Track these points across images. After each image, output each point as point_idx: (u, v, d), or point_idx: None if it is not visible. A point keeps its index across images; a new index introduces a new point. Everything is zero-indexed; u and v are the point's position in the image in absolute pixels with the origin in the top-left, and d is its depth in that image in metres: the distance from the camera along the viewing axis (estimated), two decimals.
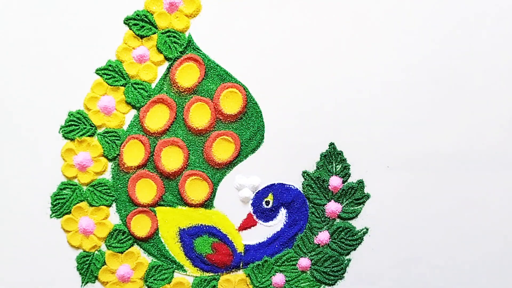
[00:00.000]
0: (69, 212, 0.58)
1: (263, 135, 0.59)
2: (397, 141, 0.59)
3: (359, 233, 0.58)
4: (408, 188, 0.58)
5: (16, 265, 0.58)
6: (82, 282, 0.58)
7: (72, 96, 0.59)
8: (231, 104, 0.59)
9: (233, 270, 0.59)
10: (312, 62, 0.59)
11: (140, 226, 0.58)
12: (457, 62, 0.59)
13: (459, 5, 0.59)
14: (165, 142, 0.59)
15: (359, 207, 0.59)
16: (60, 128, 0.59)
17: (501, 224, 0.58)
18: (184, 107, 0.59)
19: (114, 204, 0.59)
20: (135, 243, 0.59)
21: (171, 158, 0.59)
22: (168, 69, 0.59)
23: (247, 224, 0.58)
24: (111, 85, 0.59)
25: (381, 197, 0.58)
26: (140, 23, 0.59)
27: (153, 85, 0.59)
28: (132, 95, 0.59)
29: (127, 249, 0.58)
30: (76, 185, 0.59)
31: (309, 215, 0.58)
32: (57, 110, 0.59)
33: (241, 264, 0.58)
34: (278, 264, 0.58)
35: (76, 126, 0.59)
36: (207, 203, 0.59)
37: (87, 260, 0.58)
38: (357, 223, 0.58)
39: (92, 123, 0.59)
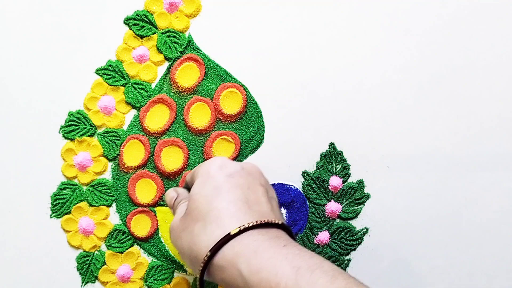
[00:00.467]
0: (69, 212, 0.58)
1: (263, 135, 0.59)
2: (397, 141, 0.59)
3: (359, 233, 0.58)
4: (408, 188, 0.58)
5: (16, 265, 0.58)
6: (82, 282, 0.58)
7: (72, 96, 0.59)
8: (231, 104, 0.59)
9: None
10: (312, 62, 0.59)
11: (140, 226, 0.58)
12: (457, 62, 0.59)
13: (459, 4, 0.59)
14: (165, 142, 0.59)
15: (359, 207, 0.59)
16: (60, 128, 0.59)
17: (501, 224, 0.58)
18: (184, 107, 0.59)
19: (114, 204, 0.59)
20: (135, 243, 0.59)
21: (171, 158, 0.59)
22: (168, 69, 0.59)
23: None
24: (111, 85, 0.59)
25: (381, 197, 0.58)
26: (140, 23, 0.59)
27: (153, 85, 0.59)
28: (132, 95, 0.59)
29: (127, 249, 0.58)
30: (76, 185, 0.59)
31: (309, 215, 0.58)
32: (57, 110, 0.59)
33: None
34: None
35: (76, 126, 0.59)
36: None
37: (87, 260, 0.58)
38: (357, 223, 0.58)
39: (92, 123, 0.59)
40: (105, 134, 0.59)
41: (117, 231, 0.58)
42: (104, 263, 0.58)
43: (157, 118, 0.59)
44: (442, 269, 0.58)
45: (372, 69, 0.59)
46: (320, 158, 0.59)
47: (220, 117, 0.59)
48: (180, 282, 0.58)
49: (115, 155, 0.59)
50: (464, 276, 0.58)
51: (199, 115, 0.59)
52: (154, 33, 0.59)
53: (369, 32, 0.59)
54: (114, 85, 0.59)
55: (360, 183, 0.59)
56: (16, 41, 0.59)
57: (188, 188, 0.49)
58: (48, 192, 0.58)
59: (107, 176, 0.59)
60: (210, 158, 0.58)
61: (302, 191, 0.59)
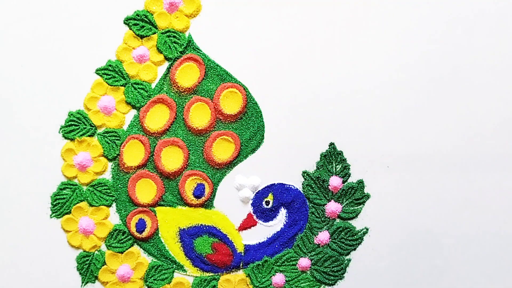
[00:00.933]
0: (69, 212, 0.58)
1: (263, 135, 0.59)
2: (397, 141, 0.59)
3: (359, 233, 0.58)
4: (408, 188, 0.58)
5: (16, 265, 0.58)
6: (82, 282, 0.58)
7: (72, 96, 0.59)
8: (231, 104, 0.59)
9: (233, 270, 0.59)
10: (312, 62, 0.59)
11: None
12: (457, 63, 0.59)
13: (459, 4, 0.59)
14: (165, 142, 0.59)
15: (359, 207, 0.59)
16: (60, 128, 0.59)
17: (501, 224, 0.58)
18: (184, 107, 0.59)
19: (114, 204, 0.59)
20: (135, 243, 0.59)
21: (171, 158, 0.59)
22: (168, 69, 0.59)
23: (247, 224, 0.58)
24: (111, 85, 0.59)
25: (381, 197, 0.58)
26: (140, 23, 0.59)
27: (153, 85, 0.59)
28: (132, 95, 0.59)
29: (127, 249, 0.58)
30: (76, 185, 0.59)
31: (309, 215, 0.58)
32: (57, 110, 0.59)
33: (241, 264, 0.58)
34: (278, 264, 0.58)
35: (76, 126, 0.59)
36: (207, 203, 0.59)
37: (87, 260, 0.58)
38: (357, 223, 0.58)
39: (92, 123, 0.59)
40: (105, 134, 0.59)
41: (117, 231, 0.58)
42: (104, 263, 0.58)
43: (157, 118, 0.59)
44: (442, 269, 0.58)
45: (372, 69, 0.59)
46: (320, 158, 0.59)
47: (220, 117, 0.59)
48: (180, 282, 0.58)
49: (115, 155, 0.59)
50: (464, 276, 0.58)
51: (199, 115, 0.59)
52: (154, 33, 0.59)
53: (369, 32, 0.59)
54: (114, 85, 0.59)
55: (360, 183, 0.59)
56: (17, 41, 0.59)
57: None
58: (48, 192, 0.58)
59: (107, 176, 0.59)
60: (210, 158, 0.59)
61: (302, 191, 0.59)
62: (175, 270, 0.58)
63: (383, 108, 0.59)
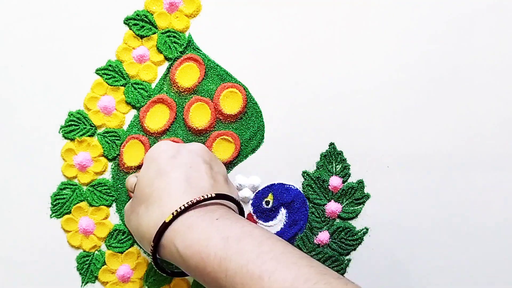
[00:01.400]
0: (69, 212, 0.58)
1: (263, 135, 0.59)
2: (397, 141, 0.59)
3: (359, 233, 0.58)
4: (408, 188, 0.58)
5: (16, 265, 0.58)
6: (82, 282, 0.58)
7: (72, 96, 0.59)
8: (231, 104, 0.59)
9: None
10: (312, 62, 0.59)
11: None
12: (457, 63, 0.59)
13: (459, 4, 0.59)
14: None
15: (359, 207, 0.59)
16: (60, 128, 0.59)
17: (502, 224, 0.58)
18: (184, 107, 0.59)
19: (114, 204, 0.59)
20: (135, 243, 0.59)
21: None
22: (168, 69, 0.59)
23: None
24: (111, 85, 0.59)
25: (381, 197, 0.58)
26: (140, 23, 0.59)
27: (153, 85, 0.59)
28: (132, 95, 0.59)
29: (127, 249, 0.58)
30: (76, 185, 0.59)
31: (309, 215, 0.58)
32: (57, 110, 0.59)
33: None
34: None
35: (76, 126, 0.59)
36: None
37: (87, 260, 0.58)
38: (357, 223, 0.58)
39: (92, 123, 0.59)
40: (105, 134, 0.59)
41: (117, 231, 0.58)
42: (104, 263, 0.58)
43: (157, 118, 0.59)
44: (442, 269, 0.58)
45: (372, 69, 0.59)
46: (320, 158, 0.59)
47: (220, 117, 0.59)
48: (180, 282, 0.58)
49: (115, 155, 0.59)
50: (464, 276, 0.58)
51: (199, 115, 0.59)
52: (154, 33, 0.59)
53: (369, 32, 0.59)
54: (114, 85, 0.59)
55: (360, 183, 0.59)
56: (16, 41, 0.59)
57: None
58: (48, 192, 0.58)
59: (107, 176, 0.59)
60: None
61: (302, 191, 0.59)
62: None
63: (383, 108, 0.59)
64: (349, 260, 0.58)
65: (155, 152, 0.49)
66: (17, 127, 0.59)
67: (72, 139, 0.59)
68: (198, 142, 0.59)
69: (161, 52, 0.59)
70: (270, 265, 0.37)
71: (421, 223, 0.58)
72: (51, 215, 0.58)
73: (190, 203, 0.43)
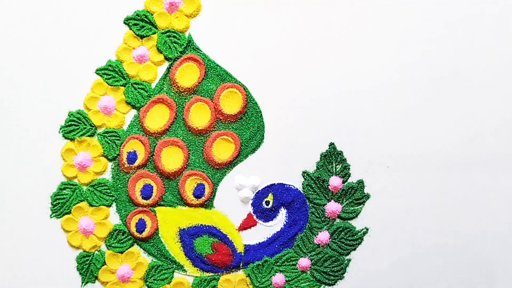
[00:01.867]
0: (69, 212, 0.58)
1: (263, 135, 0.59)
2: (397, 141, 0.59)
3: (359, 233, 0.58)
4: (408, 188, 0.58)
5: (16, 265, 0.58)
6: (82, 282, 0.58)
7: (72, 96, 0.59)
8: (231, 104, 0.59)
9: (233, 270, 0.59)
10: (312, 62, 0.59)
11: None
12: (457, 62, 0.59)
13: (459, 4, 0.59)
14: (165, 142, 0.59)
15: (359, 207, 0.59)
16: (60, 128, 0.59)
17: (501, 224, 0.58)
18: (184, 107, 0.59)
19: (114, 204, 0.59)
20: (135, 243, 0.59)
21: (171, 158, 0.59)
22: (168, 69, 0.59)
23: (247, 224, 0.58)
24: (111, 85, 0.59)
25: (381, 197, 0.58)
26: (140, 23, 0.59)
27: (153, 85, 0.59)
28: (132, 95, 0.59)
29: (127, 249, 0.58)
30: (76, 185, 0.59)
31: (309, 215, 0.58)
32: (57, 110, 0.59)
33: (241, 264, 0.58)
34: (278, 264, 0.58)
35: (76, 126, 0.59)
36: (207, 203, 0.59)
37: (87, 260, 0.58)
38: (357, 223, 0.58)
39: (92, 123, 0.59)
40: (105, 134, 0.59)
41: (117, 231, 0.58)
42: (104, 263, 0.58)
43: (157, 118, 0.59)
44: (442, 269, 0.58)
45: (373, 69, 0.59)
46: (320, 158, 0.59)
47: (220, 117, 0.59)
48: (180, 282, 0.58)
49: (115, 155, 0.59)
50: (464, 276, 0.58)
51: (199, 115, 0.59)
52: (154, 33, 0.59)
53: (369, 33, 0.59)
54: (114, 85, 0.59)
55: (360, 183, 0.59)
56: (17, 41, 0.59)
57: None
58: (48, 192, 0.58)
59: (107, 176, 0.59)
60: (210, 158, 0.59)
61: (302, 191, 0.59)
62: (175, 270, 0.58)
63: (383, 108, 0.59)
64: (349, 260, 0.58)
65: None
66: (17, 127, 0.59)
67: (72, 139, 0.59)
68: (198, 142, 0.59)
69: (161, 52, 0.59)
70: None
71: (421, 223, 0.58)
72: (51, 215, 0.58)
73: None
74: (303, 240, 0.58)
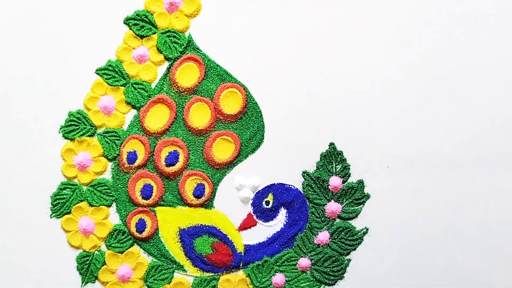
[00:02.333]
0: (69, 212, 0.58)
1: (263, 135, 0.59)
2: (397, 141, 0.59)
3: (359, 233, 0.58)
4: (408, 188, 0.58)
5: (16, 265, 0.58)
6: (82, 282, 0.58)
7: (72, 96, 0.59)
8: (231, 104, 0.59)
9: (233, 270, 0.59)
10: (312, 62, 0.59)
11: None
12: (458, 63, 0.59)
13: (459, 4, 0.59)
14: (165, 142, 0.59)
15: (359, 207, 0.59)
16: (60, 128, 0.59)
17: (501, 224, 0.58)
18: (184, 107, 0.59)
19: (114, 204, 0.59)
20: (135, 243, 0.59)
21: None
22: (168, 69, 0.59)
23: (247, 224, 0.58)
24: (111, 85, 0.59)
25: (381, 197, 0.58)
26: (140, 23, 0.59)
27: (153, 85, 0.59)
28: (132, 95, 0.59)
29: (127, 249, 0.58)
30: (76, 185, 0.59)
31: (309, 215, 0.58)
32: (57, 110, 0.59)
33: (241, 264, 0.58)
34: (278, 264, 0.58)
35: (76, 126, 0.59)
36: (207, 203, 0.59)
37: (87, 260, 0.58)
38: (357, 223, 0.58)
39: (92, 123, 0.59)
40: (105, 134, 0.59)
41: (117, 231, 0.58)
42: (104, 263, 0.58)
43: (157, 118, 0.59)
44: (442, 269, 0.58)
45: (373, 69, 0.59)
46: (320, 158, 0.59)
47: (220, 117, 0.59)
48: (180, 282, 0.58)
49: (115, 155, 0.59)
50: (464, 276, 0.58)
51: (199, 115, 0.59)
52: (154, 33, 0.59)
53: (369, 33, 0.59)
54: (114, 85, 0.59)
55: (360, 183, 0.59)
56: (17, 41, 0.59)
57: None
58: (48, 192, 0.58)
59: (107, 176, 0.59)
60: (210, 158, 0.59)
61: (302, 191, 0.59)
62: (175, 270, 0.58)
63: (383, 108, 0.59)
64: (349, 260, 0.58)
65: None
66: (17, 127, 0.59)
67: (72, 139, 0.59)
68: (198, 142, 0.59)
69: (161, 52, 0.59)
70: None
71: (421, 223, 0.58)
72: (51, 215, 0.58)
73: None
74: (303, 240, 0.58)
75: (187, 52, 0.60)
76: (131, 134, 0.59)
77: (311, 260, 0.58)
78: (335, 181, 0.58)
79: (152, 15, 0.59)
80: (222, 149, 0.59)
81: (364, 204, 0.59)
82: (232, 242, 0.58)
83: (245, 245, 0.58)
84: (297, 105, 0.59)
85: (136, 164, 0.59)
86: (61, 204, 0.58)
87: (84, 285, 0.58)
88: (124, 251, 0.58)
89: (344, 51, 0.59)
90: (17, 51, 0.59)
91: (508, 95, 0.59)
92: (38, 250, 0.58)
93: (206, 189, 0.59)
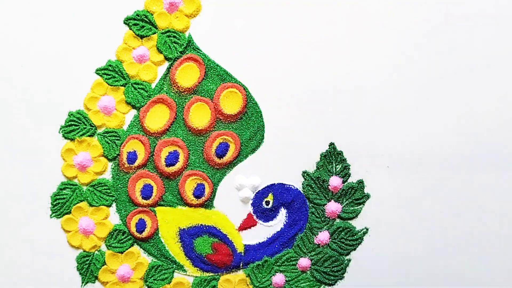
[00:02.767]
0: (69, 212, 0.58)
1: (263, 135, 0.59)
2: (397, 141, 0.59)
3: (359, 233, 0.58)
4: (408, 188, 0.58)
5: (16, 265, 0.58)
6: (82, 282, 0.58)
7: (72, 96, 0.59)
8: (231, 104, 0.59)
9: (233, 270, 0.59)
10: (312, 62, 0.59)
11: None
12: (457, 63, 0.59)
13: (459, 4, 0.59)
14: (165, 142, 0.59)
15: (359, 207, 0.59)
16: (60, 128, 0.59)
17: (501, 224, 0.58)
18: (184, 107, 0.59)
19: (114, 204, 0.59)
20: (135, 243, 0.59)
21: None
22: (168, 69, 0.59)
23: (247, 224, 0.58)
24: (111, 85, 0.59)
25: (381, 197, 0.58)
26: (140, 23, 0.59)
27: (153, 85, 0.59)
28: (132, 95, 0.59)
29: (127, 249, 0.58)
30: (76, 185, 0.59)
31: (309, 215, 0.58)
32: (57, 110, 0.59)
33: (241, 264, 0.58)
34: (278, 264, 0.58)
35: (76, 126, 0.59)
36: (207, 203, 0.59)
37: (87, 260, 0.58)
38: (357, 223, 0.58)
39: (92, 123, 0.59)
40: (105, 134, 0.59)
41: (117, 231, 0.58)
42: (104, 263, 0.58)
43: (157, 118, 0.59)
44: (442, 269, 0.58)
45: (372, 69, 0.59)
46: (320, 158, 0.59)
47: (220, 117, 0.59)
48: (180, 282, 0.58)
49: (115, 155, 0.59)
50: (464, 276, 0.58)
51: (199, 115, 0.59)
52: (154, 33, 0.59)
53: (369, 32, 0.59)
54: (114, 85, 0.59)
55: (360, 183, 0.59)
56: (17, 41, 0.59)
57: None
58: (48, 192, 0.58)
59: (107, 176, 0.59)
60: (210, 158, 0.59)
61: (302, 191, 0.59)
62: (175, 270, 0.58)
63: (383, 108, 0.59)
64: (349, 260, 0.58)
65: None
66: (17, 127, 0.59)
67: (72, 139, 0.59)
68: (198, 142, 0.59)
69: (161, 52, 0.59)
70: None
71: (421, 223, 0.58)
72: (51, 215, 0.58)
73: None
74: (303, 240, 0.58)
75: (187, 52, 0.60)
76: (131, 134, 0.59)
77: (311, 260, 0.58)
78: (335, 181, 0.58)
79: (152, 15, 0.59)
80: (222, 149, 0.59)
81: (364, 204, 0.59)
82: (232, 242, 0.58)
83: (245, 245, 0.58)
84: (297, 105, 0.59)
85: (136, 164, 0.59)
86: (61, 204, 0.58)
87: (84, 285, 0.58)
88: (124, 251, 0.58)
89: (344, 51, 0.59)
90: (17, 51, 0.59)
91: (509, 95, 0.59)
92: (38, 250, 0.58)
93: (206, 189, 0.59)
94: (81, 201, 0.59)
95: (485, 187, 0.58)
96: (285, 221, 0.58)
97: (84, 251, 0.58)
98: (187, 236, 0.58)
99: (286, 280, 0.58)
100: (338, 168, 0.59)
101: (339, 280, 0.58)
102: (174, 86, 0.59)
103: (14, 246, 0.58)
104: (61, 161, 0.59)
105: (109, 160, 0.59)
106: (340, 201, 0.59)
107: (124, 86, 0.59)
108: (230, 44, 0.59)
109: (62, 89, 0.59)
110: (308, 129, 0.59)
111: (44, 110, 0.59)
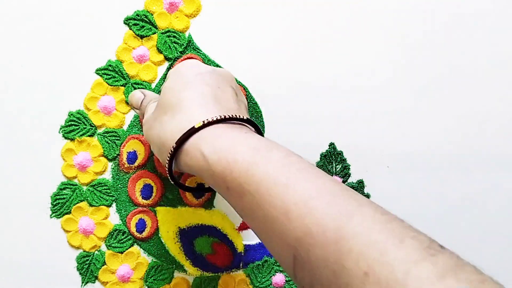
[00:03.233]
0: (69, 212, 0.58)
1: (263, 135, 0.59)
2: (397, 141, 0.59)
3: None
4: (408, 188, 0.58)
5: (16, 265, 0.58)
6: (82, 282, 0.58)
7: (72, 96, 0.59)
8: None
9: (233, 270, 0.59)
10: (312, 62, 0.59)
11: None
12: (457, 62, 0.59)
13: (458, 5, 0.59)
14: None
15: None
16: (60, 128, 0.59)
17: (501, 224, 0.58)
18: None
19: (114, 204, 0.59)
20: (135, 243, 0.59)
21: None
22: (168, 69, 0.59)
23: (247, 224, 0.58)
24: (111, 85, 0.59)
25: (381, 197, 0.58)
26: (140, 23, 0.59)
27: (153, 85, 0.59)
28: None
29: (127, 249, 0.58)
30: (76, 185, 0.59)
31: None
32: (57, 110, 0.59)
33: (241, 264, 0.58)
34: (278, 264, 0.58)
35: (76, 126, 0.59)
36: (207, 203, 0.59)
37: (87, 260, 0.58)
38: None
39: (92, 123, 0.59)
40: (105, 134, 0.59)
41: (117, 231, 0.58)
42: (104, 263, 0.58)
43: None
44: None
45: (372, 69, 0.59)
46: (320, 158, 0.59)
47: None
48: (180, 282, 0.58)
49: (115, 155, 0.59)
50: None
51: None
52: (154, 33, 0.59)
53: (369, 32, 0.59)
54: (114, 85, 0.59)
55: (360, 183, 0.59)
56: (17, 41, 0.59)
57: None
58: (48, 192, 0.58)
59: (107, 176, 0.59)
60: None
61: None
62: (175, 270, 0.58)
63: (383, 107, 0.59)
64: None
65: (183, 67, 0.48)
66: (17, 127, 0.59)
67: (72, 139, 0.59)
68: None
69: (161, 52, 0.59)
70: (297, 175, 0.37)
71: (421, 223, 0.58)
72: (51, 215, 0.58)
73: (221, 117, 0.42)
74: None
75: (187, 52, 0.60)
76: (131, 134, 0.59)
77: None
78: None
79: (152, 15, 0.59)
80: None
81: None
82: (232, 242, 0.58)
83: (245, 245, 0.58)
84: (297, 105, 0.59)
85: (136, 164, 0.59)
86: (61, 204, 0.58)
87: (84, 285, 0.58)
88: (124, 251, 0.58)
89: (344, 51, 0.59)
90: (17, 51, 0.59)
91: (508, 95, 0.59)
92: (38, 250, 0.58)
93: None
94: (81, 201, 0.59)
95: (486, 187, 0.58)
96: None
97: (84, 251, 0.58)
98: (187, 236, 0.58)
99: (286, 280, 0.58)
100: (338, 168, 0.59)
101: None
102: None
103: (14, 246, 0.58)
104: (61, 161, 0.59)
105: (109, 160, 0.59)
106: None
107: (124, 86, 0.59)
108: (230, 44, 0.59)
109: (62, 89, 0.59)
110: (308, 129, 0.59)
111: (44, 110, 0.59)
